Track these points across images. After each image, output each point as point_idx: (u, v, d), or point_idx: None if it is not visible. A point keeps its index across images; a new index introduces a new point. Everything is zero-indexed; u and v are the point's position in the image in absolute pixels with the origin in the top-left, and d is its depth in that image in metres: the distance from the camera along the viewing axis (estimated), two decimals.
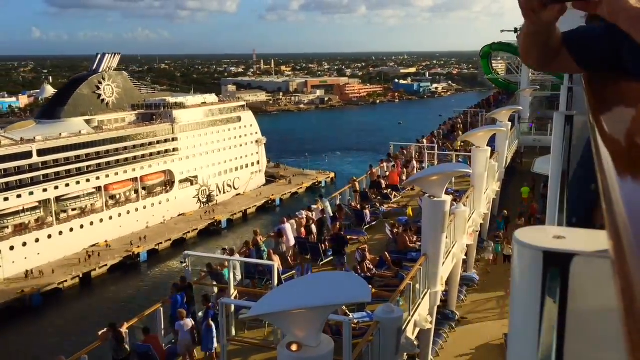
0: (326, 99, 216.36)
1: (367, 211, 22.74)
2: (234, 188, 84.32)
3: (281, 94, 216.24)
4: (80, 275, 58.45)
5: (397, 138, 52.99)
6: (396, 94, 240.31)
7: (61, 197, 60.76)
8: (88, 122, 66.14)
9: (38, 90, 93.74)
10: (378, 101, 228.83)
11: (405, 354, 14.06)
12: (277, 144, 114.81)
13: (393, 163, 29.10)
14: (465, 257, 21.26)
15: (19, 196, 56.38)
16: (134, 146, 67.84)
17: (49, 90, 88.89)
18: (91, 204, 64.77)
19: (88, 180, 63.03)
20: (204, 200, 78.97)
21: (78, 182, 62.16)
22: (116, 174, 66.13)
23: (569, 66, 2.07)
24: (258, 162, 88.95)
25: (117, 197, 68.38)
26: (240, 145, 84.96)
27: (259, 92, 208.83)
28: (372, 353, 11.71)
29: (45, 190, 58.26)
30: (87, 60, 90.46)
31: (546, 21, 1.74)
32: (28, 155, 56.96)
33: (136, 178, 68.83)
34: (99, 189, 64.61)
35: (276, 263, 15.36)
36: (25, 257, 56.60)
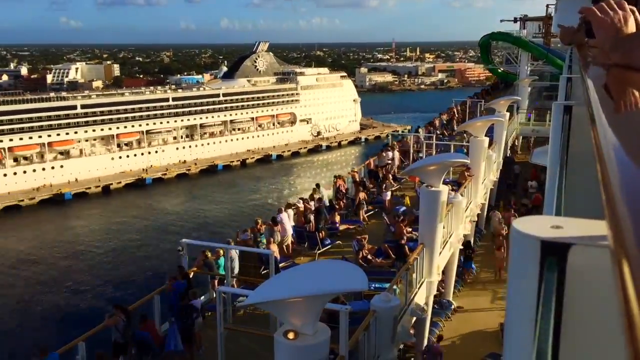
0: (445, 80, 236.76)
1: (365, 201, 22.77)
2: (336, 130, 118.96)
3: (406, 75, 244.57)
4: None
5: None
6: None
7: (232, 120, 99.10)
8: (249, 81, 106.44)
9: (217, 71, 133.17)
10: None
11: (402, 342, 14.13)
12: (379, 108, 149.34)
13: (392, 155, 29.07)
14: (462, 247, 21.32)
15: (212, 117, 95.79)
16: (273, 95, 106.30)
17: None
18: (247, 127, 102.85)
19: (247, 113, 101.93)
20: (315, 134, 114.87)
21: (242, 113, 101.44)
22: (262, 111, 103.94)
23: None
24: (355, 115, 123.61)
25: (262, 125, 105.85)
26: (341, 102, 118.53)
27: (387, 74, 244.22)
28: (368, 342, 11.75)
29: (225, 116, 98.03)
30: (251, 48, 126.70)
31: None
32: (217, 95, 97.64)
33: (274, 115, 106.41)
34: (253, 119, 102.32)
35: (274, 251, 15.40)
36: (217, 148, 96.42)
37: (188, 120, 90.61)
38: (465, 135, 29.39)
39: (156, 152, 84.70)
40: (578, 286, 1.16)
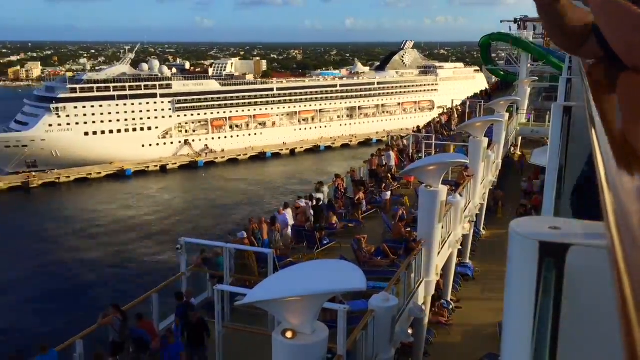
0: None
1: (364, 200, 22.78)
2: None
3: None
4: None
5: None
6: None
7: (383, 104, 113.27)
8: (397, 73, 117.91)
9: (352, 67, 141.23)
10: None
11: (400, 342, 14.14)
12: None
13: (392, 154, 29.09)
14: (461, 247, 21.36)
15: (368, 101, 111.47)
16: (416, 85, 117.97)
17: (360, 67, 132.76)
18: (394, 111, 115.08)
19: (395, 99, 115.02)
20: None
21: (390, 99, 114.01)
22: (407, 98, 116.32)
23: (597, 54, 2.06)
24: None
25: (406, 109, 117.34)
26: (473, 92, 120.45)
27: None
28: (366, 341, 11.76)
29: (378, 100, 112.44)
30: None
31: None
32: (373, 83, 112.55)
33: (417, 101, 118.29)
34: (399, 104, 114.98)
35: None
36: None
37: (350, 102, 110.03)
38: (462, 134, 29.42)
39: (326, 127, 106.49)
40: (576, 287, 1.16)
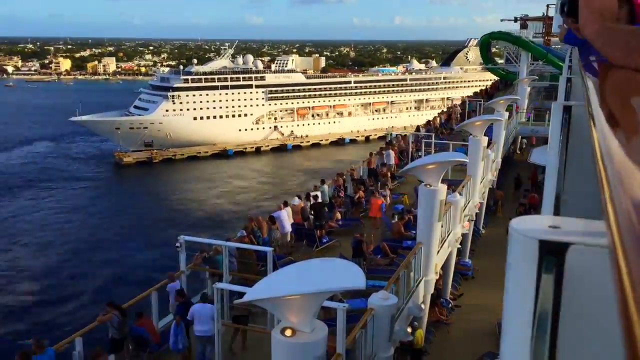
0: None
1: (363, 199, 22.79)
2: None
3: None
4: None
5: None
6: None
7: (448, 97, 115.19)
8: (461, 69, 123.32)
9: (408, 64, 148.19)
10: None
11: (399, 341, 14.15)
12: None
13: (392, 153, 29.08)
14: (460, 246, 21.35)
15: (434, 94, 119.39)
16: (479, 80, 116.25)
17: (416, 65, 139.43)
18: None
19: (458, 92, 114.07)
20: None
21: (455, 92, 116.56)
22: (470, 92, 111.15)
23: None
24: None
25: None
26: None
27: None
28: (366, 340, 11.76)
29: (443, 93, 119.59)
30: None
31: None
32: (439, 78, 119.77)
33: None
34: (462, 97, 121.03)
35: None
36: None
37: (418, 95, 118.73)
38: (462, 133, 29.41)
39: (395, 117, 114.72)
40: (576, 286, 1.16)
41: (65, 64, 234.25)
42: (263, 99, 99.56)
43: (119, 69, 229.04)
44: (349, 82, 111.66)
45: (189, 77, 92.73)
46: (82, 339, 11.87)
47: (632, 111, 1.31)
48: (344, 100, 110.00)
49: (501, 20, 61.81)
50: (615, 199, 0.84)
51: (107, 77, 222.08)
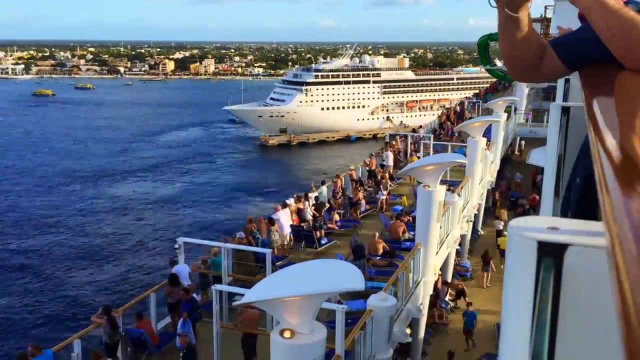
0: None
1: (363, 200, 22.76)
2: None
3: None
4: None
5: None
6: None
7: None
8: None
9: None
10: None
11: (398, 342, 14.14)
12: None
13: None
14: (459, 247, 21.37)
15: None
16: None
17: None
18: None
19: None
20: None
21: None
22: None
23: (558, 72, 2.09)
24: None
25: None
26: None
27: None
28: (365, 341, 11.75)
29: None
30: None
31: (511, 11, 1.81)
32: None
33: None
34: None
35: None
36: None
37: None
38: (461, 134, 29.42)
39: None
40: (575, 287, 1.16)
41: (170, 65, 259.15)
42: (378, 92, 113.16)
43: (217, 70, 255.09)
44: (452, 79, 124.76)
45: (319, 74, 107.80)
46: (81, 341, 11.86)
47: (631, 112, 1.31)
48: (447, 95, 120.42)
49: None
50: (613, 200, 0.84)
51: (209, 77, 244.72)
